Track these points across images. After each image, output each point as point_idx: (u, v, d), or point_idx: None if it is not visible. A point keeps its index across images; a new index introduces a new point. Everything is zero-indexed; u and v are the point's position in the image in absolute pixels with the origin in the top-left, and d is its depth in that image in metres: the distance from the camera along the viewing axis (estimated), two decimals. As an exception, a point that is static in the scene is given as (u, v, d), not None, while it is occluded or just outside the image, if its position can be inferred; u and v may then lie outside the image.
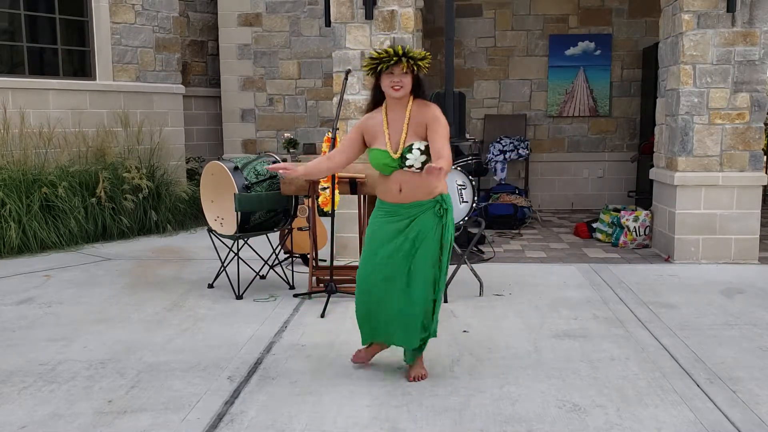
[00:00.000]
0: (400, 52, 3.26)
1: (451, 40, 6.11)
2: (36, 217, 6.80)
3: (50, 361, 3.76)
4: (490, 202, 8.36)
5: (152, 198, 7.82)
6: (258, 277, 5.40)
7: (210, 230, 5.34)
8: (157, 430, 2.95)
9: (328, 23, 6.59)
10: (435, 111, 3.35)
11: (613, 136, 9.85)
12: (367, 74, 3.39)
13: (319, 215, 6.04)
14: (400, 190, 3.35)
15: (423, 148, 3.30)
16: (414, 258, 3.36)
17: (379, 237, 3.41)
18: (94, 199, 7.23)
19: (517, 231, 7.85)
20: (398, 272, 3.37)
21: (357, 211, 5.32)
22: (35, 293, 5.23)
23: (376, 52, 3.31)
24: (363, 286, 3.48)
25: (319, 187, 4.77)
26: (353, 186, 5.01)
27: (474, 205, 5.16)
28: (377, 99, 3.44)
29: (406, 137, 3.31)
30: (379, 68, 3.30)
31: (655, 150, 6.88)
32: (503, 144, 9.28)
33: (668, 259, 6.28)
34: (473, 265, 5.34)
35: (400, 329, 3.43)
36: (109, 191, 7.37)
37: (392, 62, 3.25)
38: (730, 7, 5.91)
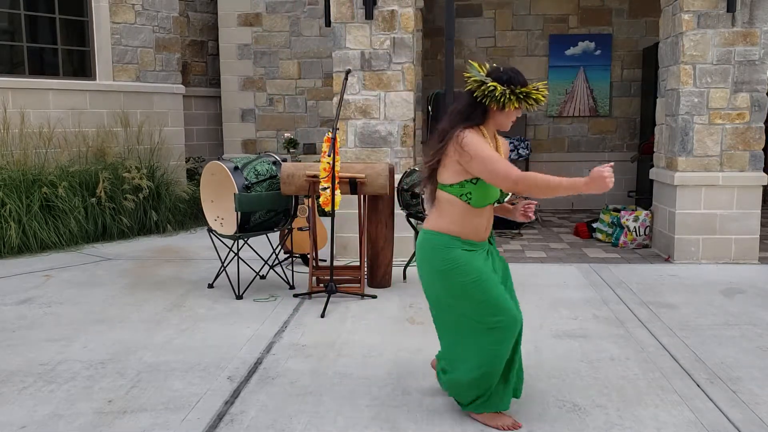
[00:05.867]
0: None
1: (451, 40, 6.11)
2: (36, 217, 6.79)
3: (50, 361, 3.76)
4: (490, 202, 8.35)
5: (152, 198, 7.82)
6: (258, 277, 5.39)
7: (210, 230, 5.34)
8: (157, 430, 2.95)
9: (328, 23, 6.59)
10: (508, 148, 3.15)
11: (613, 136, 9.84)
12: (501, 101, 2.81)
13: (320, 215, 6.04)
14: (486, 228, 3.00)
15: None
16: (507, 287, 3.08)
17: (486, 268, 2.96)
18: (94, 199, 7.22)
19: (517, 231, 7.85)
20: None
21: (357, 211, 5.32)
22: (35, 293, 5.23)
23: (530, 86, 2.87)
24: (512, 330, 2.93)
25: (320, 187, 4.77)
26: (353, 186, 5.01)
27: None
28: (476, 123, 2.90)
29: None
30: (518, 102, 2.84)
31: (655, 150, 6.88)
32: (503, 144, 9.27)
33: (668, 259, 6.28)
34: (473, 265, 5.33)
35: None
36: (109, 191, 7.37)
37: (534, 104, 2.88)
38: (730, 7, 5.91)
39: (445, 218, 2.93)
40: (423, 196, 5.02)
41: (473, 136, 2.82)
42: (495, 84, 2.82)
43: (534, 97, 2.86)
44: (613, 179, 2.63)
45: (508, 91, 2.81)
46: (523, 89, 2.84)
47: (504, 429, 2.94)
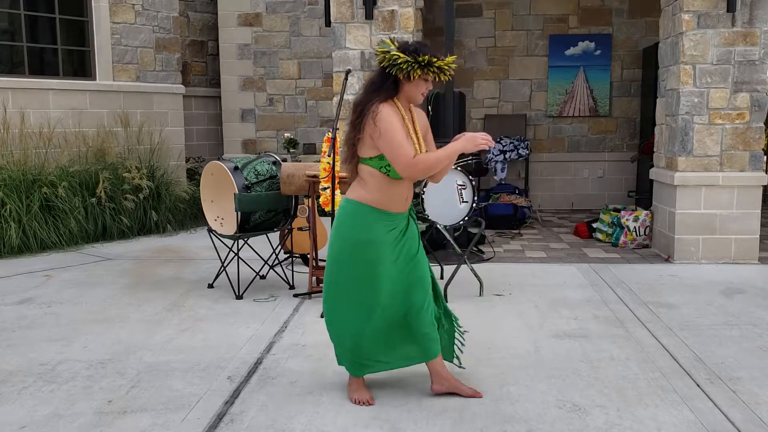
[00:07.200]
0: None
1: (451, 40, 6.11)
2: (36, 217, 6.79)
3: (50, 361, 3.76)
4: (490, 202, 8.36)
5: (152, 198, 7.82)
6: (258, 277, 5.39)
7: (210, 230, 5.34)
8: (157, 430, 2.95)
9: (328, 23, 6.60)
10: (426, 118, 3.27)
11: (613, 136, 9.85)
12: (405, 69, 2.95)
13: (320, 215, 6.04)
14: (407, 198, 3.14)
15: None
16: (416, 260, 3.19)
17: (388, 258, 3.11)
18: (94, 199, 7.23)
19: (517, 231, 7.85)
20: (408, 280, 3.19)
21: (357, 211, 5.31)
22: (35, 293, 5.23)
23: (424, 55, 2.97)
24: (372, 314, 3.16)
25: (320, 187, 4.77)
26: (353, 186, 5.00)
27: (474, 205, 5.15)
28: (389, 95, 3.03)
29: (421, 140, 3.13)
30: (421, 70, 2.97)
31: (655, 150, 6.88)
32: (503, 144, 9.28)
33: (668, 259, 6.28)
34: (473, 265, 5.34)
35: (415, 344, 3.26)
36: (109, 191, 7.37)
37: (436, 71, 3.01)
38: (730, 7, 5.91)
39: (366, 188, 3.07)
40: (423, 196, 5.03)
41: (388, 113, 2.96)
42: (399, 54, 2.96)
43: (437, 65, 2.99)
44: (486, 141, 3.00)
45: (411, 59, 2.94)
46: (425, 57, 2.96)
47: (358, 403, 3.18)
